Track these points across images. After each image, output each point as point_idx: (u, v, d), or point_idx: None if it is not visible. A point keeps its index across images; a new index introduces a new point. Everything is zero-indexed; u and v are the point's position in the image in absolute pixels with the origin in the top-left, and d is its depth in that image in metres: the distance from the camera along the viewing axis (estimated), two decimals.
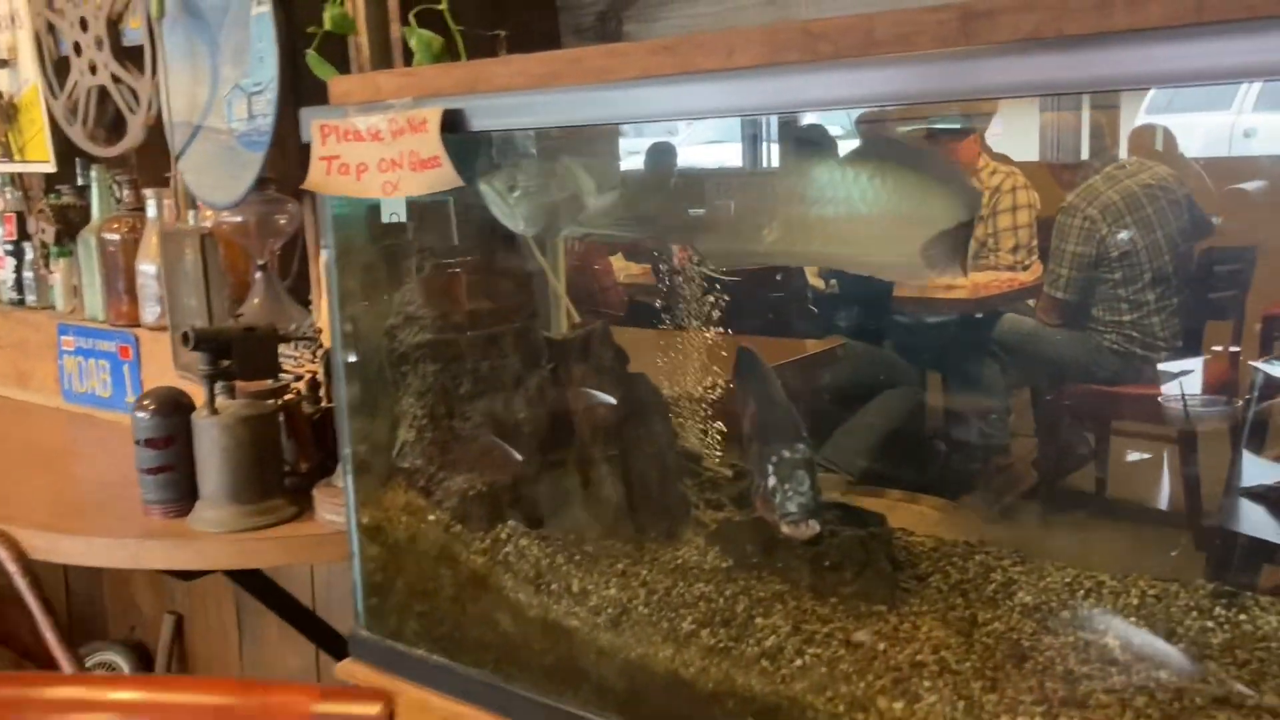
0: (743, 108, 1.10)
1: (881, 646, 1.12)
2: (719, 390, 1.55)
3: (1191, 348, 3.24)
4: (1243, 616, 1.16)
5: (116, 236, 2.29)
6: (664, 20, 1.86)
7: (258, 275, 2.06)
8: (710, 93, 1.07)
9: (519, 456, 1.35)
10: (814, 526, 1.20)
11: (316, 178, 1.38)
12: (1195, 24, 0.81)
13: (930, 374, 3.68)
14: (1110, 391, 3.22)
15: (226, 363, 1.63)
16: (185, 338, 1.58)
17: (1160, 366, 3.33)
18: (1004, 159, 3.87)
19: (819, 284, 3.43)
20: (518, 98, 1.24)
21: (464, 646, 1.36)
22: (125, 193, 2.34)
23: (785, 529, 1.19)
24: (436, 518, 1.39)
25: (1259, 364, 1.97)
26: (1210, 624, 1.15)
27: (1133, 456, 3.31)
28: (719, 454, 1.53)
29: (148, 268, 2.19)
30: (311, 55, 1.62)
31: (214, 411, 1.63)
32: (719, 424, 1.52)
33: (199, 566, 1.66)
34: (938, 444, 3.44)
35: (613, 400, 1.33)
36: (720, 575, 1.25)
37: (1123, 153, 4.45)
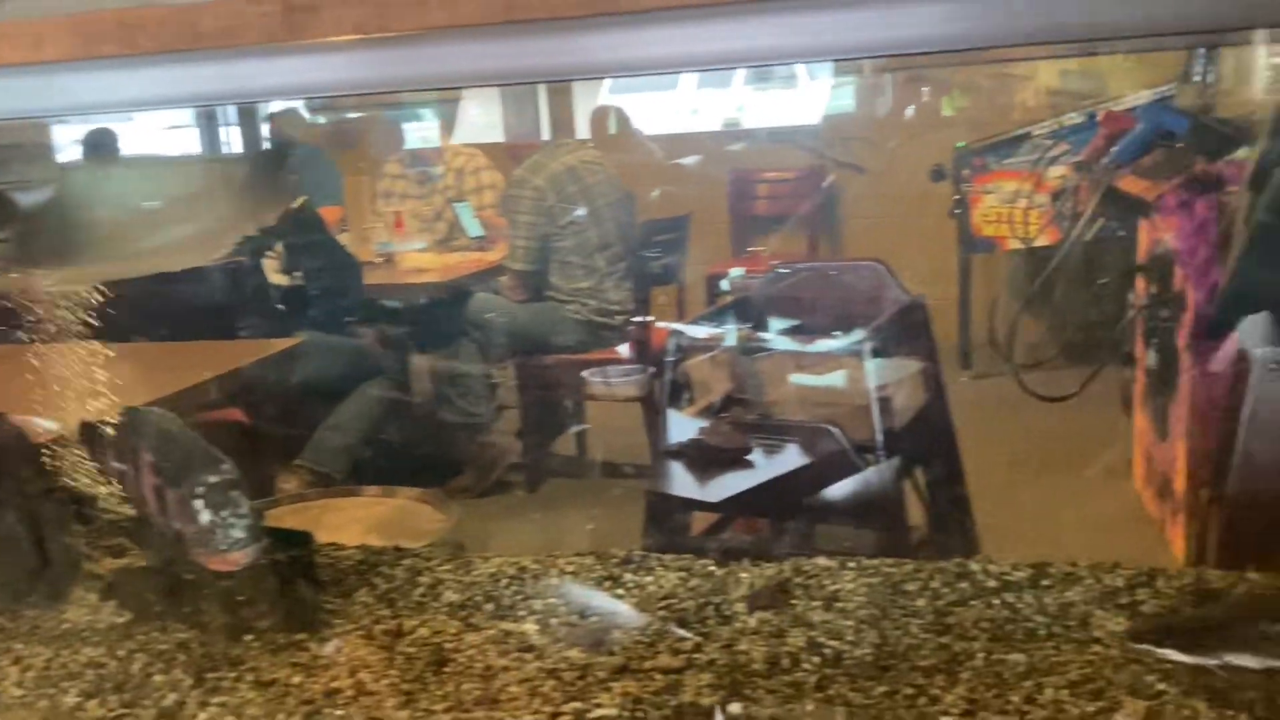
0: (52, 107, 0.96)
1: (296, 680, 1.05)
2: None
3: (643, 312, 3.50)
4: (649, 579, 1.23)
5: None
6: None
7: None
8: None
9: None
10: (264, 544, 1.12)
11: None
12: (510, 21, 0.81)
13: (411, 363, 3.65)
14: (575, 360, 3.40)
15: None
16: None
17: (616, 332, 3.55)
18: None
19: (281, 280, 3.26)
20: None
21: None
22: None
23: (238, 558, 1.09)
24: None
25: (677, 325, 2.15)
26: (621, 591, 1.21)
27: (576, 428, 3.53)
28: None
29: None
30: None
31: None
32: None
33: None
34: (419, 431, 3.44)
35: None
36: (115, 634, 1.11)
37: (582, 133, 4.69)
